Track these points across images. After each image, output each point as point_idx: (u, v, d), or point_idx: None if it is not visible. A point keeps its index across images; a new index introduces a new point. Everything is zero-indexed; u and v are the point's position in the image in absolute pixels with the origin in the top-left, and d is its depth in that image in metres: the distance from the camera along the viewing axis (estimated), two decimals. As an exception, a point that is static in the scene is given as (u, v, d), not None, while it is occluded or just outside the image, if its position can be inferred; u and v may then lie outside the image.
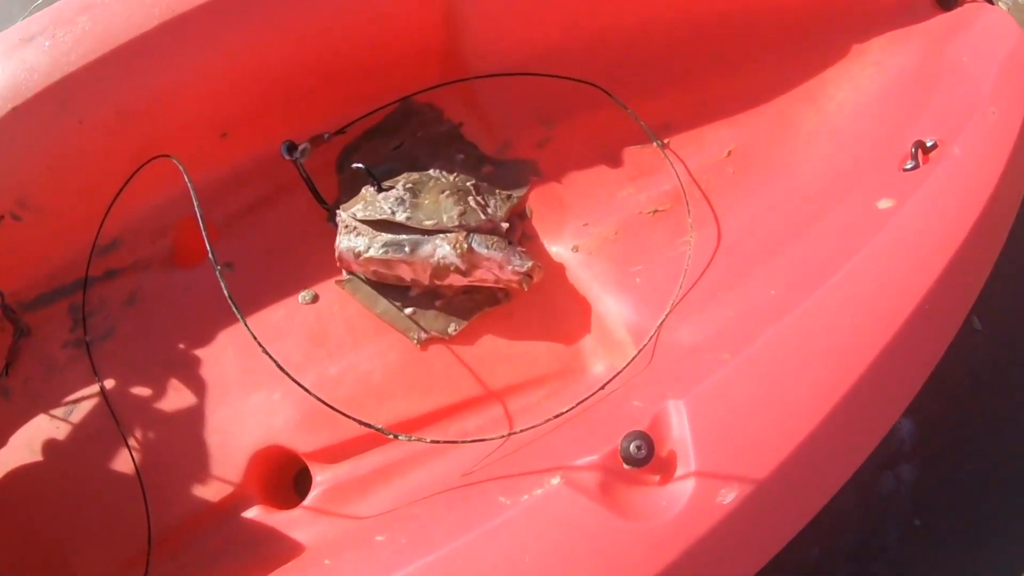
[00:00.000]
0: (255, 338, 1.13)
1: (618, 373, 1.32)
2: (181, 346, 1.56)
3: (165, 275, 1.64)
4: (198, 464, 1.44)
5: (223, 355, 1.54)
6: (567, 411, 1.27)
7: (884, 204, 1.26)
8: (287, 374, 1.13)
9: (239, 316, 1.13)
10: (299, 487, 1.51)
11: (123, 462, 1.45)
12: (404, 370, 1.49)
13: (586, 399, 1.29)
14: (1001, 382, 1.81)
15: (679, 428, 1.02)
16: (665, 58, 1.74)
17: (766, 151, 1.63)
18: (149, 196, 1.65)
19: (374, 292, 1.56)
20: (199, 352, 1.55)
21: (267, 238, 1.66)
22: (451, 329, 1.52)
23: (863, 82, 1.65)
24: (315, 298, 1.58)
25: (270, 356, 1.12)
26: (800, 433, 1.00)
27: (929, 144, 1.35)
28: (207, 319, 1.56)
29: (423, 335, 1.52)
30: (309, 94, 1.68)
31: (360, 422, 1.16)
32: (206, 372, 1.53)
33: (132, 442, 1.47)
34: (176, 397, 1.51)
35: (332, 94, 1.70)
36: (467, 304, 1.54)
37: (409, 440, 1.24)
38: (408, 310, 1.54)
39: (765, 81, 1.71)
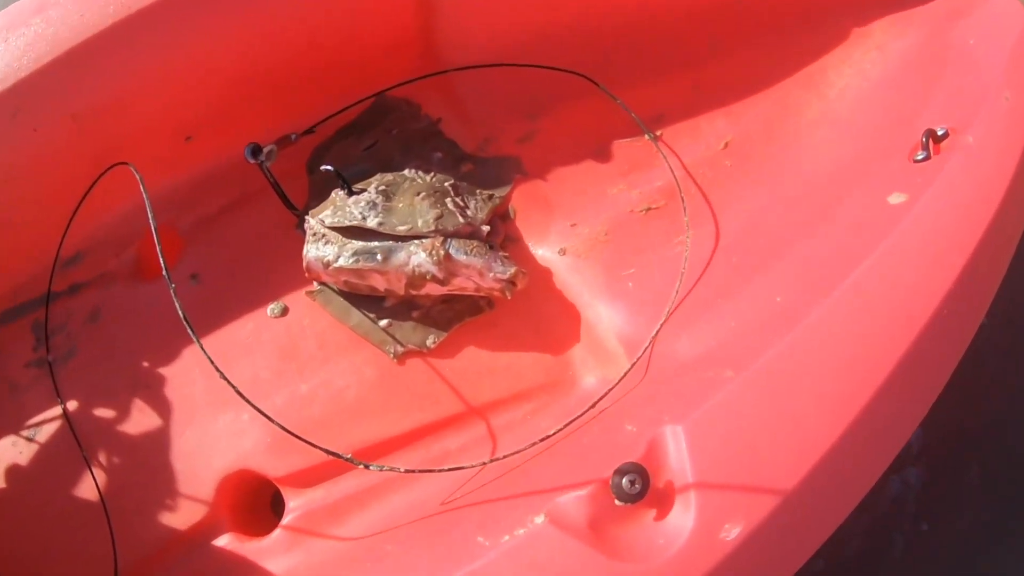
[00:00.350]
0: (212, 362, 1.09)
1: (609, 390, 1.28)
2: (146, 364, 1.53)
3: (129, 289, 1.61)
4: (166, 490, 1.41)
5: (190, 374, 1.51)
6: (553, 433, 1.23)
7: (896, 199, 1.21)
8: (247, 401, 1.09)
9: (195, 339, 1.09)
10: (273, 511, 1.48)
11: (87, 488, 1.42)
12: (380, 386, 1.45)
13: (573, 420, 1.25)
14: (1007, 383, 1.78)
15: (677, 457, 0.96)
16: (656, 44, 1.70)
17: (766, 142, 1.59)
18: (112, 205, 1.61)
19: (346, 303, 1.52)
20: (164, 371, 1.52)
21: (235, 247, 1.63)
22: (430, 342, 1.47)
23: (865, 67, 1.60)
24: (284, 311, 1.55)
25: (228, 381, 1.09)
26: (810, 460, 0.94)
27: (940, 133, 1.29)
28: (172, 335, 1.51)
29: (400, 349, 1.48)
30: (278, 92, 1.64)
31: (328, 452, 1.12)
32: (172, 392, 1.50)
33: (96, 467, 1.44)
34: (142, 419, 1.48)
35: (302, 91, 1.66)
36: (446, 314, 1.50)
37: (381, 470, 1.19)
38: (383, 322, 1.50)
39: (762, 67, 1.66)
